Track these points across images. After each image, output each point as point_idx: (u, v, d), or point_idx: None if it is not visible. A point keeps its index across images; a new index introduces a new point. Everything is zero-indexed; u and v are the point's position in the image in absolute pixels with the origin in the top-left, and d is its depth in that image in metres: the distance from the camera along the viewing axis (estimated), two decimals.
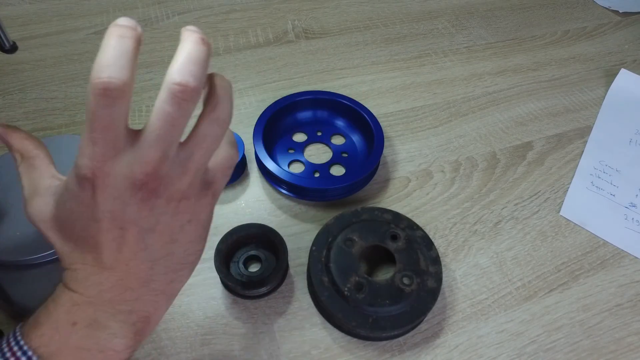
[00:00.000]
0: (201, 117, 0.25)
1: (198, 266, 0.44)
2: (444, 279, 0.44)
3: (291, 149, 0.54)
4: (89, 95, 0.20)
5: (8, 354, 0.23)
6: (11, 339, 0.24)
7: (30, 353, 0.23)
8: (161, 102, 0.22)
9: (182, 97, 0.23)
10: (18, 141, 0.28)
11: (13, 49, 0.39)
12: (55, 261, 0.38)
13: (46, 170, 0.27)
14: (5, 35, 0.39)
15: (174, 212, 0.25)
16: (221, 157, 0.27)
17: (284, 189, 0.49)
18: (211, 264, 0.41)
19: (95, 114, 0.20)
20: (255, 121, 0.51)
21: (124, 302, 0.25)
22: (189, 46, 0.23)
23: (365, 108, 0.54)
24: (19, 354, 0.23)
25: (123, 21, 0.22)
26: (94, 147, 0.21)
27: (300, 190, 0.48)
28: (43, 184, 0.26)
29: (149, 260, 0.25)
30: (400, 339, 0.40)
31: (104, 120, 0.20)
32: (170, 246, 0.25)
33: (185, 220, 0.26)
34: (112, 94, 0.20)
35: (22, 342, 0.23)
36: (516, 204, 0.51)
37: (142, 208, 0.23)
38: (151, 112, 0.22)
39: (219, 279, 0.43)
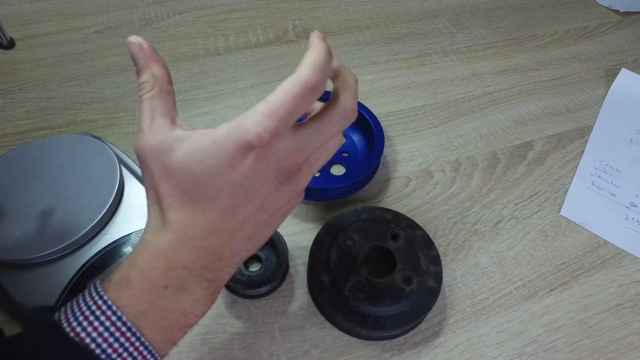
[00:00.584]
0: (331, 113, 0.27)
1: None
2: (444, 278, 0.44)
3: None
4: (298, 86, 0.24)
5: (94, 308, 0.23)
6: (94, 294, 0.24)
7: (119, 313, 0.23)
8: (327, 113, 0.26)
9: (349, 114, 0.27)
10: (159, 66, 0.27)
11: (10, 45, 0.39)
12: (56, 260, 0.38)
13: (173, 110, 0.27)
14: (2, 31, 0.39)
15: (289, 200, 0.27)
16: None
17: None
18: None
19: (297, 101, 0.23)
20: None
21: (212, 270, 0.26)
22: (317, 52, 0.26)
23: (366, 107, 0.54)
24: (105, 308, 0.23)
25: (321, 35, 0.27)
26: (274, 122, 0.23)
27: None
28: (166, 124, 0.25)
29: (247, 236, 0.27)
30: (401, 338, 0.40)
31: (298, 108, 0.24)
32: (264, 228, 0.27)
33: (287, 209, 0.28)
34: (316, 92, 0.24)
35: (106, 298, 0.24)
36: (516, 204, 0.51)
37: (275, 190, 0.26)
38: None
39: None
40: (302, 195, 0.29)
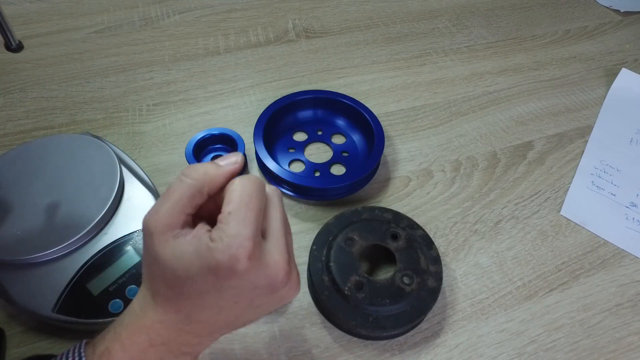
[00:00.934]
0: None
1: None
2: (444, 278, 0.44)
3: (292, 148, 0.54)
4: (266, 193, 0.26)
5: None
6: (76, 356, 0.25)
7: None
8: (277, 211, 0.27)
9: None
10: (222, 179, 0.27)
11: (19, 48, 0.40)
12: (56, 260, 0.38)
13: (191, 213, 0.26)
14: (11, 34, 0.39)
15: (277, 298, 0.27)
16: None
17: (284, 188, 0.49)
18: None
19: (261, 206, 0.25)
20: (256, 120, 0.51)
21: (190, 345, 0.27)
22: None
23: (366, 107, 0.54)
24: None
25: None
26: (249, 228, 0.24)
27: (300, 189, 0.48)
28: (180, 219, 0.25)
29: (230, 323, 0.27)
30: (401, 338, 0.40)
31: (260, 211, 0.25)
32: (253, 313, 0.27)
33: (277, 304, 0.28)
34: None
35: None
36: (517, 204, 0.51)
37: (267, 294, 0.26)
38: (269, 218, 0.27)
39: None
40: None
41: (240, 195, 0.25)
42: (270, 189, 0.28)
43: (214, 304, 0.25)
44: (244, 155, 0.50)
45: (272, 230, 0.26)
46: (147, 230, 0.25)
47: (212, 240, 0.24)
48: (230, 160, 0.27)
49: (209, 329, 0.27)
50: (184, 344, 0.26)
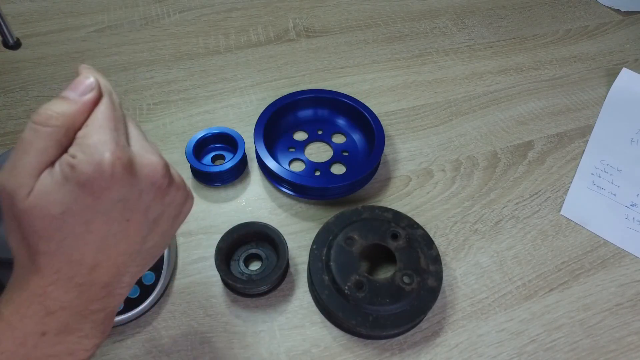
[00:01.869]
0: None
1: (198, 264, 0.44)
2: (444, 277, 0.44)
3: (292, 147, 0.54)
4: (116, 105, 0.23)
5: None
6: None
7: None
8: None
9: None
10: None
11: (17, 45, 0.39)
12: None
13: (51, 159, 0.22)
14: (9, 31, 0.39)
15: (178, 203, 0.25)
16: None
17: (284, 187, 0.49)
18: (211, 262, 0.41)
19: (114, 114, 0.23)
20: (256, 120, 0.51)
21: (97, 300, 0.24)
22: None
23: (366, 107, 0.54)
24: None
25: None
26: (108, 134, 0.21)
27: (300, 188, 0.48)
28: (36, 168, 0.21)
29: (136, 255, 0.24)
30: (401, 337, 0.40)
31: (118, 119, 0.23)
32: (159, 239, 0.25)
33: (180, 211, 0.26)
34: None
35: None
36: (517, 203, 0.51)
37: (155, 197, 0.23)
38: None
39: (219, 277, 0.43)
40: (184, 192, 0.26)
41: (95, 113, 0.22)
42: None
43: (106, 232, 0.22)
44: (245, 154, 0.51)
45: (132, 135, 0.24)
46: (5, 191, 0.21)
47: (72, 157, 0.21)
48: (82, 89, 0.23)
49: (113, 270, 0.23)
50: (89, 301, 0.23)
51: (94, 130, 0.22)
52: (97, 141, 0.21)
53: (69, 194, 0.21)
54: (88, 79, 0.23)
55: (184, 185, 0.26)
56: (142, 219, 0.23)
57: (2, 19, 0.38)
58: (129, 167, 0.22)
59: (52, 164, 0.21)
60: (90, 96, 0.23)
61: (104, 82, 0.24)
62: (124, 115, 0.24)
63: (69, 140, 0.22)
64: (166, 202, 0.24)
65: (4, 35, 0.39)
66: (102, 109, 0.23)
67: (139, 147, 0.23)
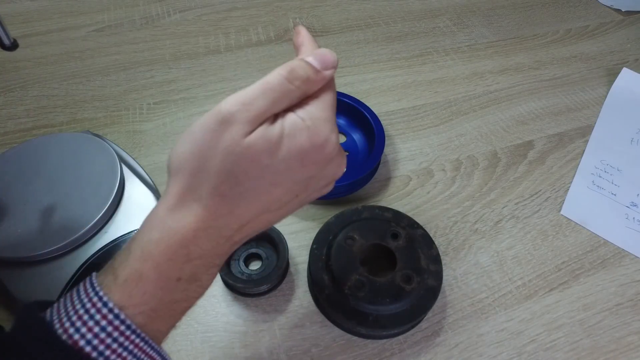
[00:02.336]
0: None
1: None
2: (444, 277, 0.44)
3: None
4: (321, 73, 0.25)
5: (89, 306, 0.21)
6: (90, 292, 0.22)
7: (128, 322, 0.21)
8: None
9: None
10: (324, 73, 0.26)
11: (14, 46, 0.39)
12: (56, 258, 0.38)
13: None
14: (5, 32, 0.39)
15: (309, 185, 0.25)
16: None
17: None
18: None
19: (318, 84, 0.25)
20: None
21: (223, 255, 0.25)
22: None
23: (366, 106, 0.54)
24: (100, 306, 0.21)
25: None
26: (333, 113, 0.24)
27: None
28: (268, 112, 0.23)
29: (270, 223, 0.25)
30: (401, 337, 0.40)
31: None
32: (285, 209, 0.26)
33: (322, 186, 0.27)
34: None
35: (104, 296, 0.22)
36: (517, 203, 0.51)
37: (327, 187, 0.26)
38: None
39: (219, 277, 0.43)
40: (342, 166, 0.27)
41: (324, 90, 0.25)
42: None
43: (278, 198, 0.24)
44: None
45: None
46: (227, 121, 0.22)
47: (301, 120, 0.23)
48: (327, 63, 0.25)
49: (249, 232, 0.25)
50: (217, 255, 0.24)
51: (323, 107, 0.24)
52: (325, 118, 0.24)
53: (281, 151, 0.23)
54: (333, 55, 0.25)
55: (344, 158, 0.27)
56: (304, 199, 0.25)
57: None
58: (340, 151, 0.25)
59: (275, 116, 0.23)
60: (329, 72, 0.25)
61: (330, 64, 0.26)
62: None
63: (297, 101, 0.24)
64: (326, 171, 0.25)
65: (1, 37, 0.39)
66: (332, 95, 0.25)
67: (337, 134, 0.25)
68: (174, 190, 0.23)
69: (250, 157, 0.22)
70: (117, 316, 0.21)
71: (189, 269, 0.23)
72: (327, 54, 0.25)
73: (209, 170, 0.22)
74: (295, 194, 0.25)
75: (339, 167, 0.26)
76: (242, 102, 0.22)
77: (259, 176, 0.23)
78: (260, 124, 0.23)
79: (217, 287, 0.43)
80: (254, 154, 0.22)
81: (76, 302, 0.22)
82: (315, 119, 0.23)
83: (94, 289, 0.22)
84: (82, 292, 0.22)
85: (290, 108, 0.24)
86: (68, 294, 0.23)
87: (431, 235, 0.44)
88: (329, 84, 0.25)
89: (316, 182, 0.25)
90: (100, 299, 0.22)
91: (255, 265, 0.44)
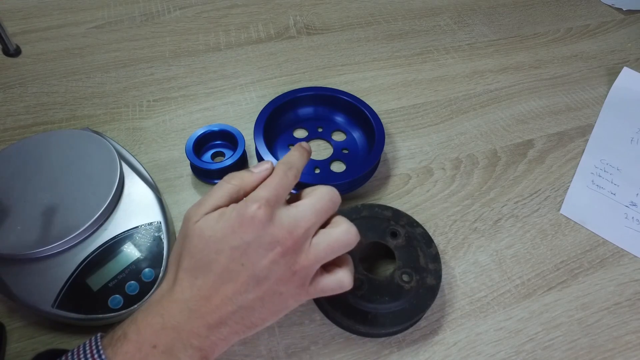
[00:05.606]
0: (320, 190, 0.33)
1: None
2: (443, 276, 0.44)
3: (292, 145, 0.54)
4: (297, 161, 0.33)
5: None
6: (93, 347, 0.26)
7: None
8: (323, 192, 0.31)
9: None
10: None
11: (17, 52, 0.40)
12: (56, 255, 0.38)
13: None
14: (8, 39, 0.39)
15: (285, 279, 0.29)
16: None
17: None
18: None
19: (283, 179, 0.31)
20: (256, 117, 0.51)
21: (198, 337, 0.27)
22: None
23: (366, 104, 0.54)
24: None
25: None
26: (266, 192, 0.29)
27: (300, 186, 0.48)
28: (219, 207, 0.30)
29: (237, 305, 0.28)
30: (399, 335, 0.40)
31: (287, 183, 0.31)
32: (257, 304, 0.28)
33: (283, 290, 0.29)
34: (296, 173, 0.33)
35: (103, 355, 0.26)
36: (516, 202, 0.51)
37: (269, 260, 0.28)
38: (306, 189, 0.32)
39: None
40: (305, 286, 0.30)
41: (273, 174, 0.31)
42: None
43: (225, 266, 0.27)
44: (245, 152, 0.51)
45: (299, 204, 0.30)
46: (187, 218, 0.29)
47: (234, 207, 0.29)
48: (262, 168, 0.32)
49: (218, 312, 0.27)
50: (193, 333, 0.27)
51: (257, 189, 0.30)
52: (254, 195, 0.29)
53: (218, 224, 0.28)
54: (267, 163, 0.32)
55: (301, 264, 0.29)
56: (251, 271, 0.28)
57: (2, 28, 0.38)
58: (267, 217, 0.28)
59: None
60: (263, 173, 0.31)
61: (295, 161, 0.32)
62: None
63: (239, 196, 0.30)
64: (275, 269, 0.28)
65: (3, 44, 0.39)
66: (270, 178, 0.31)
67: (295, 211, 0.29)
68: (169, 270, 0.30)
69: (198, 234, 0.28)
70: None
71: (165, 338, 0.26)
72: (263, 163, 0.32)
73: (175, 255, 0.29)
74: (241, 263, 0.27)
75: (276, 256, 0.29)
76: (197, 205, 0.30)
77: (205, 247, 0.28)
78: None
79: None
80: (200, 231, 0.28)
81: (82, 356, 0.26)
82: (247, 199, 0.29)
83: (97, 349, 0.26)
84: (87, 350, 0.26)
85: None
86: (76, 350, 0.27)
87: (430, 233, 0.44)
88: (270, 177, 0.31)
89: (255, 251, 0.28)
90: (99, 356, 0.26)
91: None
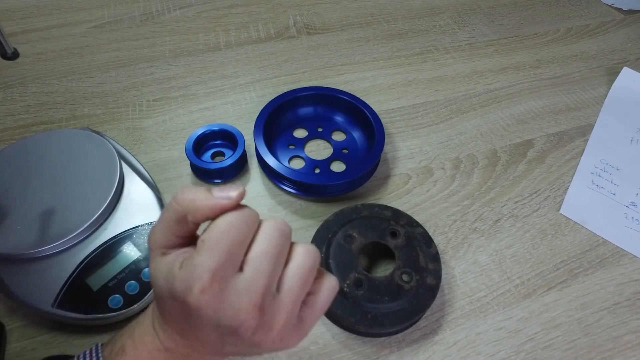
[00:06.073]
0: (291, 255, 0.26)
1: None
2: (443, 276, 0.44)
3: (292, 144, 0.54)
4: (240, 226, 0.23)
5: None
6: (94, 356, 0.26)
7: None
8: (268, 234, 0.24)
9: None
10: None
11: (15, 55, 0.40)
12: (56, 255, 0.38)
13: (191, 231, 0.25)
14: (6, 43, 0.39)
15: (267, 344, 0.24)
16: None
17: (284, 184, 0.49)
18: None
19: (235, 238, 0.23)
20: (256, 117, 0.51)
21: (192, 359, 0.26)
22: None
23: (366, 104, 0.54)
24: None
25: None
26: (213, 260, 0.22)
27: (300, 186, 0.48)
28: (176, 240, 0.25)
29: (215, 351, 0.25)
30: (399, 335, 0.40)
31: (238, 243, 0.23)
32: (225, 349, 0.25)
33: (278, 347, 0.25)
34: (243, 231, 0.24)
35: None
36: (516, 202, 0.51)
37: (233, 336, 0.23)
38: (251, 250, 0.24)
39: None
40: (300, 325, 0.25)
41: (219, 225, 0.23)
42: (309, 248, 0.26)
43: (185, 328, 0.24)
44: (244, 152, 0.51)
45: (250, 258, 0.23)
46: (149, 243, 0.25)
47: (180, 266, 0.23)
48: (224, 194, 0.24)
49: (198, 349, 0.25)
50: (184, 356, 0.26)
51: (207, 248, 0.22)
52: (199, 264, 0.22)
53: (164, 290, 0.23)
54: (238, 189, 0.24)
55: (286, 336, 0.24)
56: (216, 339, 0.24)
57: (0, 32, 0.38)
58: (214, 302, 0.22)
59: (178, 239, 0.25)
60: (223, 201, 0.23)
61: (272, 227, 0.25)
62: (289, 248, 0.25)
63: (189, 226, 0.24)
64: (245, 342, 0.23)
65: (1, 47, 0.39)
66: (225, 221, 0.23)
67: (248, 283, 0.22)
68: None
69: (156, 284, 0.24)
70: None
71: (161, 357, 0.26)
72: (233, 186, 0.24)
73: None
74: (206, 335, 0.24)
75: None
76: (152, 229, 0.26)
77: (156, 277, 0.24)
78: (162, 247, 0.25)
79: None
80: (154, 280, 0.24)
81: None
82: (190, 265, 0.22)
83: (97, 357, 0.26)
84: (87, 357, 0.27)
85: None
86: (78, 356, 0.27)
87: (430, 233, 0.44)
88: (226, 215, 0.23)
89: (215, 342, 0.24)
90: None
91: None
